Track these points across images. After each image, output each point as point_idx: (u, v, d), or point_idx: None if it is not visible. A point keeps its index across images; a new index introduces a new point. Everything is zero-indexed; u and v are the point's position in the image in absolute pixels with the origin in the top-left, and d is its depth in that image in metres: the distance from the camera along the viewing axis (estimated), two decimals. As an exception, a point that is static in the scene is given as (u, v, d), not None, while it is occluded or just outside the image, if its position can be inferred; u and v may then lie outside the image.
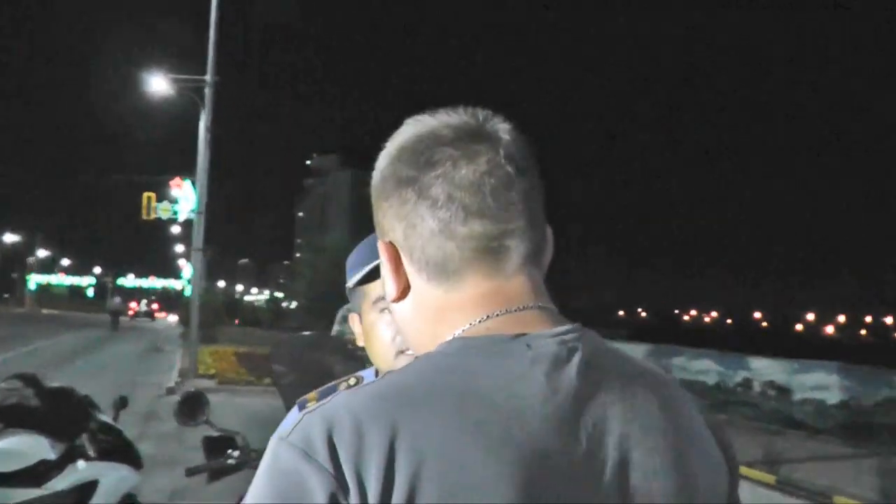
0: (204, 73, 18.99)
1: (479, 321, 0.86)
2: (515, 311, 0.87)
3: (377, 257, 1.59)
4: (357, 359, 3.84)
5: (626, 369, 0.86)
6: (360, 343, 1.72)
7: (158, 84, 20.22)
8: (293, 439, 0.78)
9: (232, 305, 39.73)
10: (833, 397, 13.56)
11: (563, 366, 0.81)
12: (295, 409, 1.70)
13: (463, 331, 0.86)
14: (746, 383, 16.40)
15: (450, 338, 0.86)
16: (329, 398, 0.82)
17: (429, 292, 0.90)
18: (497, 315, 0.86)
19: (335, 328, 6.46)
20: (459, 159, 0.88)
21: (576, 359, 0.82)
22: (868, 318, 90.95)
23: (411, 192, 0.89)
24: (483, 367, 0.81)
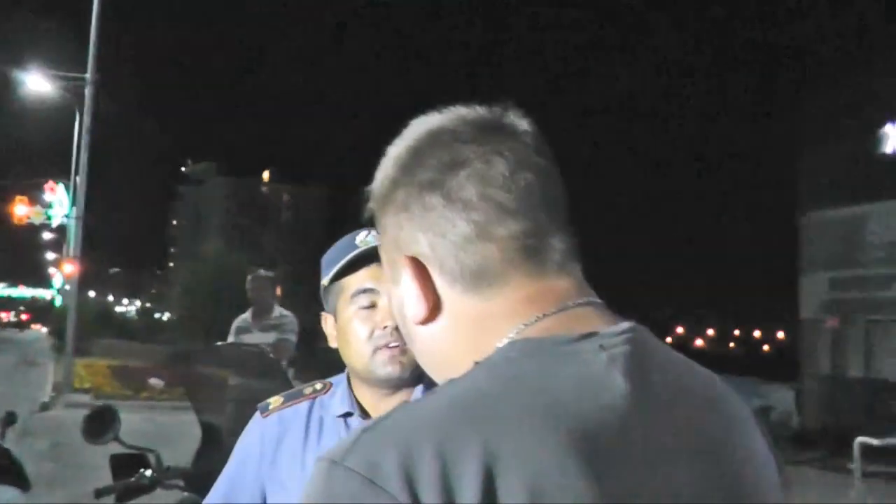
0: (84, 71, 18.19)
1: (535, 320, 0.78)
2: (569, 308, 0.79)
3: (352, 250, 1.57)
4: (273, 373, 3.74)
5: (686, 368, 0.82)
6: (333, 344, 1.66)
7: (35, 83, 19.27)
8: (353, 464, 0.67)
9: (105, 316, 38.08)
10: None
11: (637, 367, 0.74)
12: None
13: (516, 333, 0.78)
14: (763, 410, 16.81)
15: (500, 344, 0.77)
16: (388, 417, 0.72)
17: (464, 303, 0.81)
18: (552, 313, 0.78)
19: (230, 339, 6.28)
20: (487, 155, 0.81)
21: (649, 358, 0.76)
22: (737, 332, 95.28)
23: (436, 197, 0.81)
24: (558, 371, 0.73)
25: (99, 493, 2.72)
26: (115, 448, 2.75)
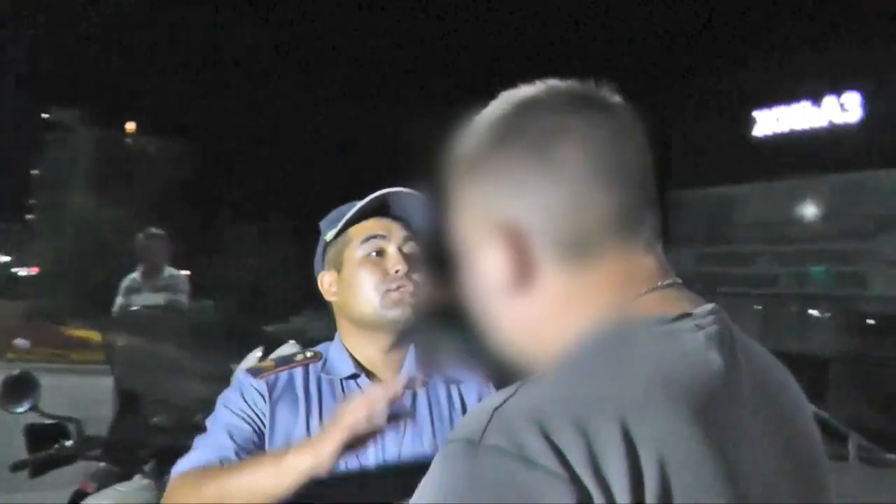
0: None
1: (634, 299, 0.78)
2: (658, 288, 0.80)
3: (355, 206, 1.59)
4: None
5: (758, 348, 0.85)
6: (331, 298, 1.68)
7: None
8: (496, 442, 0.66)
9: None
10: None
11: (727, 346, 0.77)
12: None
13: (615, 310, 0.78)
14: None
15: (593, 321, 0.78)
16: (514, 395, 0.70)
17: (558, 276, 0.79)
18: (645, 293, 0.79)
19: (119, 300, 6.00)
20: (587, 126, 0.80)
21: (734, 338, 0.78)
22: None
23: (536, 164, 0.79)
24: (665, 350, 0.74)
25: (15, 467, 2.57)
26: (32, 418, 2.62)
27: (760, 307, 15.42)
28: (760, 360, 0.83)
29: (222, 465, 1.49)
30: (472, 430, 0.68)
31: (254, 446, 1.56)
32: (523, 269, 0.79)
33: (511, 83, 0.87)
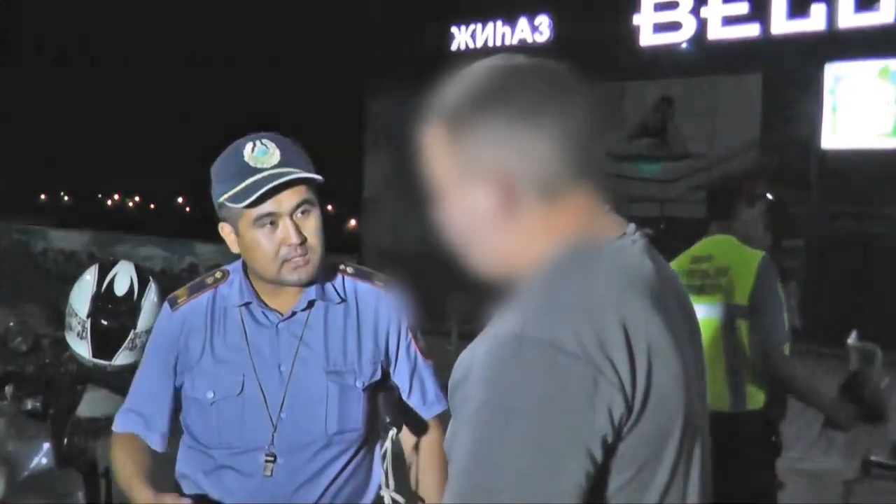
0: None
1: (592, 224, 1.03)
2: (605, 214, 1.06)
3: (249, 173, 1.68)
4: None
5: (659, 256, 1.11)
6: (235, 250, 1.80)
7: None
8: (535, 335, 0.89)
9: None
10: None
11: (652, 255, 1.04)
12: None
13: (582, 233, 1.01)
14: (192, 268, 16.98)
15: (565, 241, 1.01)
16: (539, 299, 0.93)
17: (534, 211, 1.02)
18: (598, 220, 1.04)
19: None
20: (568, 101, 1.02)
21: (651, 248, 1.06)
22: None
23: (523, 123, 1.00)
24: (621, 261, 1.00)
25: None
26: None
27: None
28: (665, 264, 1.10)
29: (133, 439, 1.84)
30: (515, 327, 0.90)
31: (169, 387, 1.84)
32: (509, 206, 1.01)
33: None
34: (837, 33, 12.81)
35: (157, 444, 1.86)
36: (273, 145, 1.73)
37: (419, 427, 1.89)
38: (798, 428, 7.10)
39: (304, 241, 1.73)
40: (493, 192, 1.01)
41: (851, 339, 6.34)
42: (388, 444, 1.77)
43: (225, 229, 1.78)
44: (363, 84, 18.90)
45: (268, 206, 1.71)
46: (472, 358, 0.94)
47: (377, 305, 1.87)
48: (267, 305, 1.81)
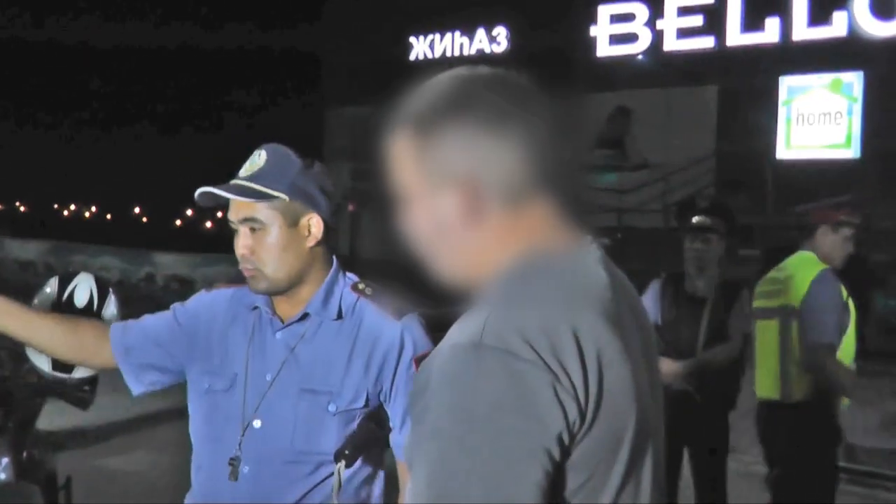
0: None
1: (550, 235, 1.04)
2: (562, 226, 1.06)
3: (232, 176, 1.74)
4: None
5: (614, 265, 1.13)
6: None
7: None
8: (493, 343, 0.90)
9: None
10: (236, 289, 14.66)
11: (607, 266, 1.06)
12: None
13: (540, 244, 1.03)
14: (149, 278, 16.79)
15: (523, 250, 1.02)
16: (499, 307, 0.95)
17: (498, 219, 1.03)
18: (557, 230, 1.05)
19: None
20: (532, 111, 1.04)
21: (606, 258, 1.08)
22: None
23: (487, 131, 1.01)
24: (578, 271, 1.03)
25: None
26: None
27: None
28: (620, 275, 1.13)
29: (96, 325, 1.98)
30: (473, 337, 0.92)
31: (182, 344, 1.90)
32: (473, 212, 1.02)
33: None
34: (791, 46, 13.11)
35: (119, 354, 1.91)
36: (265, 156, 1.76)
37: (393, 483, 1.82)
38: (756, 433, 7.22)
39: (250, 256, 1.76)
40: (458, 197, 1.02)
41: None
42: (335, 476, 1.73)
43: None
44: (321, 92, 18.90)
45: (230, 213, 1.76)
46: (431, 367, 0.96)
47: (380, 332, 1.80)
48: (274, 311, 1.84)
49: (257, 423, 1.77)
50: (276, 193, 1.74)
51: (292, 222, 1.77)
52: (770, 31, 13.36)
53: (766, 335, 3.62)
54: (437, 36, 16.62)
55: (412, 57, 16.86)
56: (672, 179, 14.06)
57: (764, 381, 3.61)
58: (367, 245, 18.02)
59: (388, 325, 1.80)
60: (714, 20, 13.74)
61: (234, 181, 1.76)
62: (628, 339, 1.01)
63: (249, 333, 1.84)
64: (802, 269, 3.55)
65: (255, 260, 1.75)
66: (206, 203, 1.77)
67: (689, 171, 13.94)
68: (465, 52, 16.24)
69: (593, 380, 0.93)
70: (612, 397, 0.94)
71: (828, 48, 12.79)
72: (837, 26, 12.78)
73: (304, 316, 1.81)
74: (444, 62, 16.06)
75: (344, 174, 18.15)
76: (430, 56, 16.75)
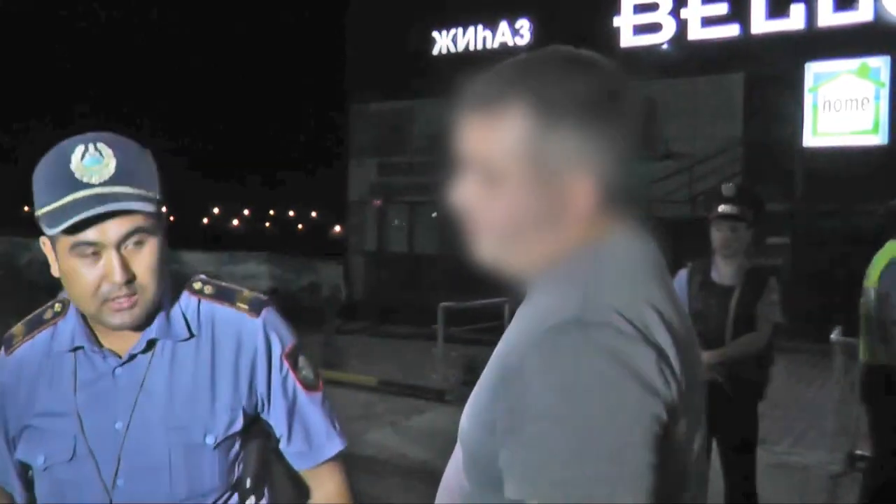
0: None
1: (620, 225, 1.05)
2: (629, 218, 1.07)
3: (72, 189, 1.34)
4: None
5: None
6: (55, 274, 1.47)
7: None
8: (595, 319, 0.92)
9: None
10: (263, 284, 14.77)
11: (656, 253, 1.09)
12: None
13: (604, 234, 1.03)
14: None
15: (592, 240, 1.03)
16: (588, 287, 0.96)
17: (587, 216, 1.02)
18: (617, 220, 1.05)
19: None
20: (620, 98, 1.03)
21: (656, 246, 1.10)
22: (272, 212, 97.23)
23: (602, 136, 1.00)
24: (640, 255, 1.05)
25: None
26: None
27: (435, 213, 16.45)
28: (664, 262, 1.14)
29: None
30: (574, 315, 0.93)
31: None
32: (589, 206, 1.01)
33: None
34: (817, 32, 12.96)
35: (19, 497, 1.57)
36: (109, 152, 1.39)
37: (300, 489, 1.62)
38: (786, 423, 7.17)
39: (131, 280, 1.39)
40: (581, 190, 1.00)
41: (835, 334, 6.46)
42: None
43: (46, 246, 1.45)
44: (346, 88, 18.91)
45: (90, 234, 1.36)
46: (521, 353, 0.94)
47: (239, 335, 1.53)
48: (102, 347, 1.48)
49: (121, 483, 1.46)
50: (151, 193, 1.42)
51: (162, 227, 1.46)
52: (795, 18, 13.21)
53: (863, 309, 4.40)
54: (460, 30, 16.54)
55: (435, 52, 16.81)
56: (698, 169, 13.96)
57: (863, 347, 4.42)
58: (393, 240, 18.13)
59: (245, 326, 1.54)
60: (738, 7, 13.60)
61: (97, 191, 1.36)
62: (683, 317, 1.05)
63: (72, 383, 1.49)
64: (883, 254, 4.31)
65: (138, 285, 1.41)
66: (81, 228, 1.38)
67: (715, 160, 13.83)
68: (489, 46, 16.16)
69: (678, 358, 0.95)
70: (689, 378, 0.97)
71: (854, 33, 12.63)
72: (863, 11, 12.62)
73: (151, 343, 1.49)
74: (467, 56, 16.03)
75: (370, 170, 18.22)
76: (453, 50, 16.69)
